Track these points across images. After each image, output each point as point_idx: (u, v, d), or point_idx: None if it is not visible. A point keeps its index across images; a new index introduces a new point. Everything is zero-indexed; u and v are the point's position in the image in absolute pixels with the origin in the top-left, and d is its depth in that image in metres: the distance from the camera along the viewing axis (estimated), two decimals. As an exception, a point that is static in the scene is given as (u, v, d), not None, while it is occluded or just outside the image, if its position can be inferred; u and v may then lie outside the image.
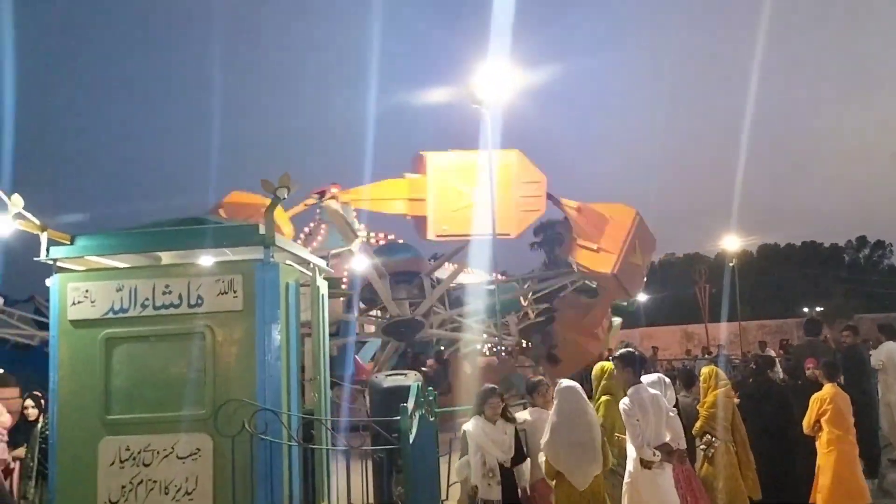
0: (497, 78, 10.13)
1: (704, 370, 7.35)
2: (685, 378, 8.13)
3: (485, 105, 10.22)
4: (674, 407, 6.06)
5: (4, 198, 5.70)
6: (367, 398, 10.26)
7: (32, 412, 7.47)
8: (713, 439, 6.91)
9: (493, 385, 6.25)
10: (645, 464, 5.49)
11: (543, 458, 5.53)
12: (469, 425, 5.89)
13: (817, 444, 7.12)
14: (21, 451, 7.50)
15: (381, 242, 18.67)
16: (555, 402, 5.57)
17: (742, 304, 33.98)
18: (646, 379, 6.08)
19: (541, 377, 6.55)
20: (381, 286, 12.16)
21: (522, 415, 6.28)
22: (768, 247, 64.90)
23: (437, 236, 9.39)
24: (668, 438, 5.64)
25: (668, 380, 6.38)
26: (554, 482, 5.47)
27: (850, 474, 6.93)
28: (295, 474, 5.58)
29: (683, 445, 5.89)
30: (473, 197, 9.11)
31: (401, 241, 16.95)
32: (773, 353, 23.24)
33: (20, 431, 7.71)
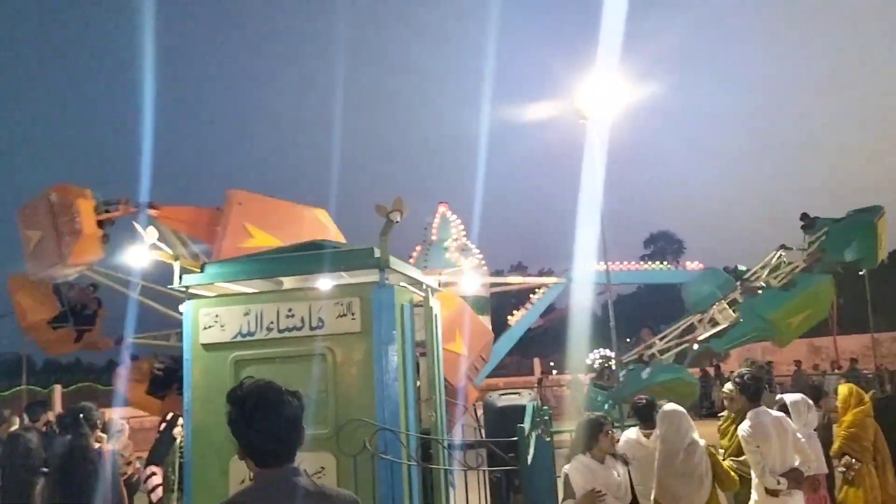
0: (603, 93, 10.01)
1: (843, 389, 6.90)
2: (812, 393, 7.68)
3: (590, 120, 10.14)
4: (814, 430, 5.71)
5: (140, 230, 6.14)
6: (476, 418, 10.27)
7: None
8: (853, 461, 6.47)
9: (602, 415, 5.38)
10: (770, 492, 5.16)
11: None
12: (572, 468, 4.87)
13: None
14: (153, 472, 7.89)
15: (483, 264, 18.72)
16: (659, 428, 5.26)
17: (874, 315, 31.70)
18: (788, 398, 5.77)
19: (651, 399, 5.93)
20: None
21: (630, 434, 5.88)
22: (901, 252, 60.33)
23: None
24: (797, 463, 5.28)
25: (810, 401, 6.02)
26: None
27: None
28: (415, 494, 5.63)
29: (822, 469, 5.51)
30: (268, 240, 9.02)
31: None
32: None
33: (163, 444, 8.11)
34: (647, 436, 5.50)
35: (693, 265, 21.34)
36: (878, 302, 33.94)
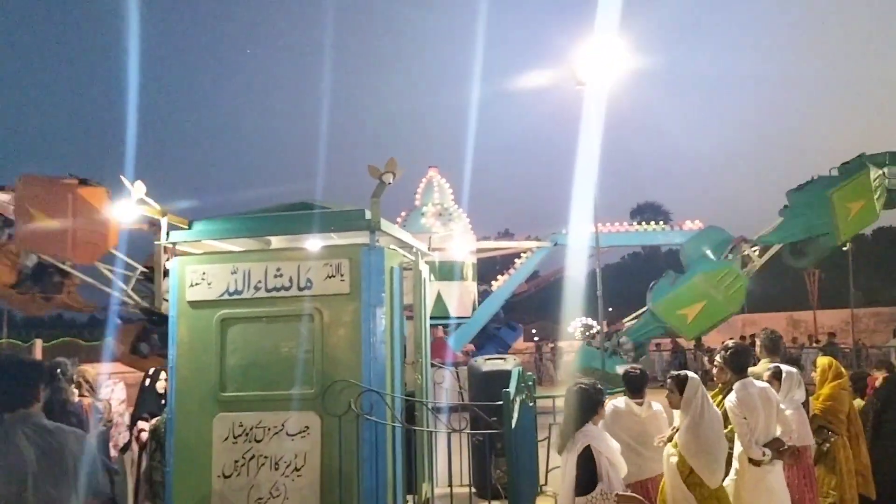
0: (601, 59, 9.94)
1: (822, 361, 6.99)
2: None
3: (586, 86, 10.08)
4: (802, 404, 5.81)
5: (128, 184, 6.04)
6: (459, 381, 10.38)
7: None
8: (829, 434, 6.58)
9: (595, 382, 4.86)
10: (753, 462, 5.26)
11: (670, 452, 5.23)
12: (594, 439, 4.36)
13: None
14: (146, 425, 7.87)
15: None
16: (687, 393, 5.21)
17: (855, 291, 32.09)
18: (785, 368, 5.89)
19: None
20: None
21: (619, 403, 5.81)
22: (885, 230, 60.92)
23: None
24: (778, 433, 5.39)
25: (799, 377, 6.12)
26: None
27: None
28: (398, 454, 5.68)
29: (806, 441, 5.60)
30: (45, 221, 9.52)
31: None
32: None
33: (147, 400, 8.04)
34: (640, 405, 5.55)
35: (693, 224, 19.03)
36: (859, 279, 34.36)
